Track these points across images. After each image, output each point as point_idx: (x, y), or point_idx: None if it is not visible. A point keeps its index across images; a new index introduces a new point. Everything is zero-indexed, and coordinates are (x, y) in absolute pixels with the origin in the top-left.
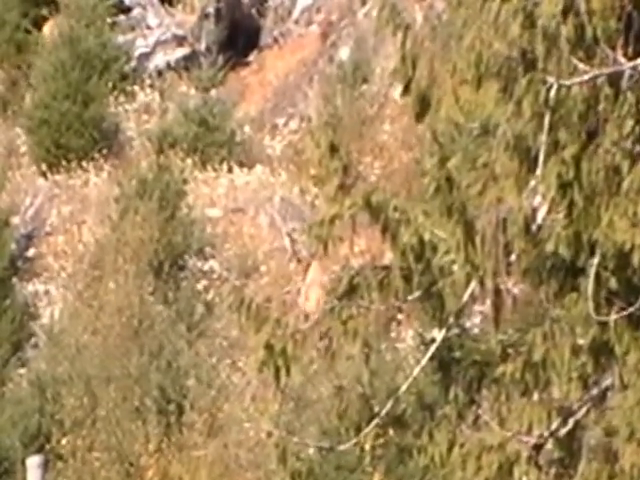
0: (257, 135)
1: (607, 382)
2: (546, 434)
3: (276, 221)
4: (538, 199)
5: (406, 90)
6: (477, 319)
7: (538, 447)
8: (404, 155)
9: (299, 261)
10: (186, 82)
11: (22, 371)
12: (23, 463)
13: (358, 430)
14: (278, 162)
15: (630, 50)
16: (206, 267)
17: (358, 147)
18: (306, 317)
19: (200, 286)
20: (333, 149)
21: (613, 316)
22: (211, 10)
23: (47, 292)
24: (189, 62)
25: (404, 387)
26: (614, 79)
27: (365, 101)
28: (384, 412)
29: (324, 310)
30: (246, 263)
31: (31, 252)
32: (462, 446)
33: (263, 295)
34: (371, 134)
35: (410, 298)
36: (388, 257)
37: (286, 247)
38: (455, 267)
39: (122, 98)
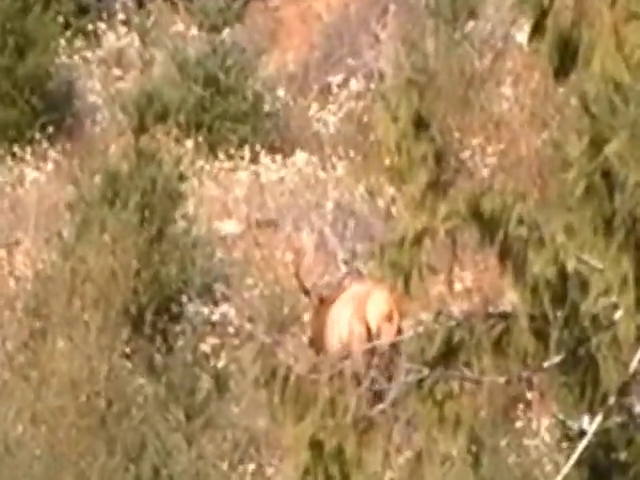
0: (297, 102)
1: None
2: None
3: (328, 241)
4: None
5: (538, 30)
6: None
7: None
8: (534, 135)
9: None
10: (183, 17)
11: None
12: None
13: None
14: (331, 146)
15: None
16: (216, 315)
17: (460, 122)
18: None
19: (206, 346)
20: (420, 125)
21: None
22: None
23: None
24: None
25: None
26: None
27: (472, 48)
28: None
29: (405, 384)
30: (280, 309)
31: None
32: None
33: (307, 361)
34: (481, 101)
35: (545, 365)
36: (509, 299)
37: (343, 282)
38: (618, 316)
39: (80, 42)
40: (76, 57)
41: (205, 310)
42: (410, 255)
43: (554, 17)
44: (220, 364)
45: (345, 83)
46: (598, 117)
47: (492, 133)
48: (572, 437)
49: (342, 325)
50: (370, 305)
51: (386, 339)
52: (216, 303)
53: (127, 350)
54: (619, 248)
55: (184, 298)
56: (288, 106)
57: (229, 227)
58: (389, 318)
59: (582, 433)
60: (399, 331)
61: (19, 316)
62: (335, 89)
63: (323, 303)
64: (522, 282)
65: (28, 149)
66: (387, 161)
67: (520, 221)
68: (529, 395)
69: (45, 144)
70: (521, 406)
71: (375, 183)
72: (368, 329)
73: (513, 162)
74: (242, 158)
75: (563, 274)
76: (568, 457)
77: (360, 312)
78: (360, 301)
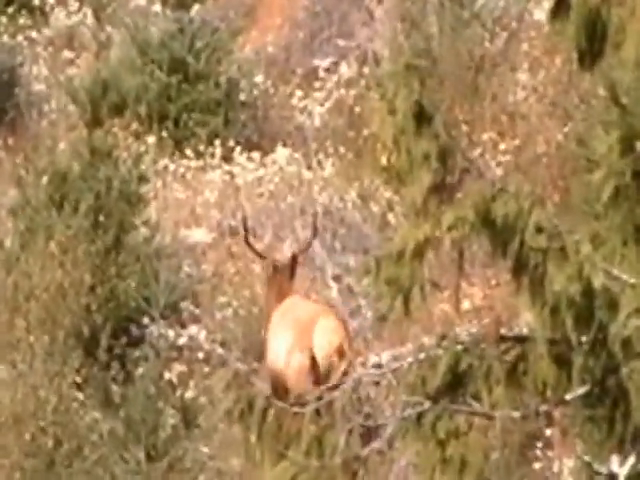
0: (278, 90)
1: None
2: None
3: (315, 253)
4: None
5: (561, 7)
6: None
7: None
8: (554, 129)
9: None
10: None
11: None
12: None
13: None
14: (318, 141)
15: None
16: (183, 339)
17: (469, 114)
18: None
19: (172, 375)
20: (422, 117)
21: None
22: None
23: None
24: None
25: None
26: None
27: (482, 27)
28: None
29: (403, 420)
30: (257, 331)
31: None
32: None
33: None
34: (493, 90)
35: (568, 397)
36: (525, 320)
37: (332, 302)
38: None
39: (23, 19)
40: (19, 37)
41: (170, 332)
42: (410, 270)
43: None
44: (188, 395)
45: (334, 67)
46: (629, 109)
47: (506, 127)
48: None
49: (280, 351)
50: (318, 334)
51: (335, 378)
52: (183, 324)
53: (79, 379)
54: None
55: (146, 318)
56: (267, 94)
57: (198, 236)
58: (340, 353)
59: (611, 477)
60: (348, 368)
61: None
62: (322, 74)
63: (277, 272)
64: (540, 300)
65: None
66: (383, 160)
67: (538, 229)
68: (549, 432)
69: None
70: (540, 445)
71: (369, 185)
72: (313, 362)
73: (530, 160)
74: (213, 156)
75: (589, 291)
76: None
77: (304, 341)
78: (305, 328)
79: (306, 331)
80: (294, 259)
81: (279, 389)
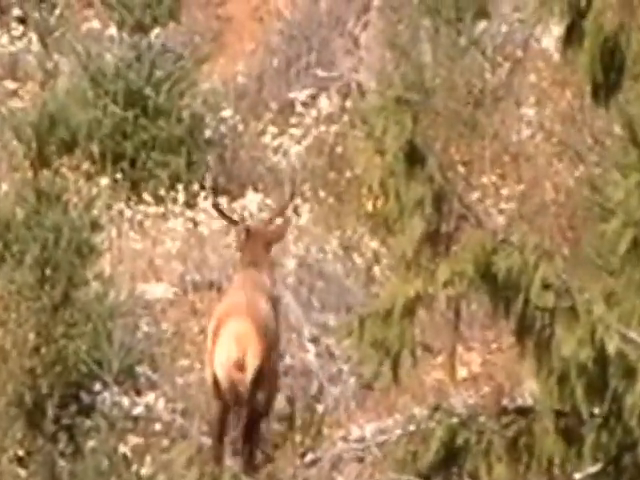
0: (249, 126)
1: None
2: None
3: (290, 311)
4: None
5: (573, 34)
6: None
7: None
8: (564, 172)
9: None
10: (98, 12)
11: None
12: None
13: None
14: (292, 184)
15: None
16: (139, 408)
17: (467, 154)
18: None
19: (127, 448)
20: (414, 158)
21: None
22: None
23: None
24: None
25: None
26: None
27: (482, 56)
28: None
29: None
30: None
31: None
32: None
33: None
34: (495, 127)
35: (578, 477)
36: (529, 390)
37: (311, 367)
38: None
39: None
40: None
41: (125, 400)
42: (399, 330)
43: (595, 18)
44: (144, 471)
45: (313, 101)
46: None
47: (509, 169)
48: None
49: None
50: (219, 345)
51: (240, 393)
52: (139, 391)
53: (21, 452)
54: None
55: (97, 384)
56: (236, 131)
57: (157, 291)
58: (239, 367)
59: None
60: (259, 381)
61: None
62: (299, 108)
63: (251, 239)
64: (547, 367)
65: None
66: (369, 206)
67: (545, 286)
68: None
69: None
70: None
71: (352, 235)
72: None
73: (536, 208)
74: (175, 201)
75: (602, 356)
76: None
77: (209, 352)
78: (215, 331)
79: (214, 336)
80: (269, 223)
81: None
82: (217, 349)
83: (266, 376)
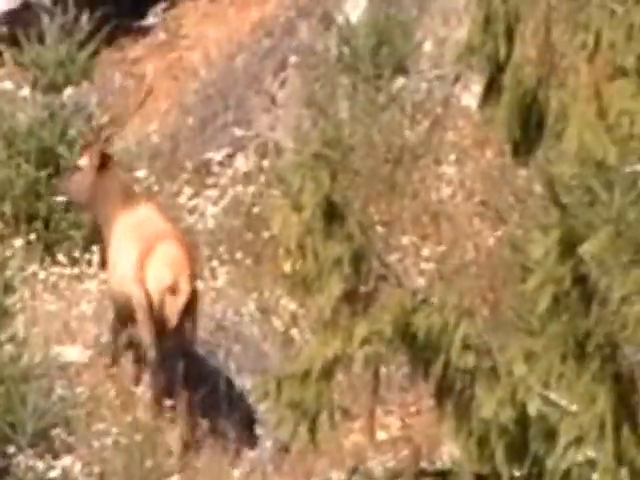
0: (164, 187)
1: None
2: None
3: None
4: None
5: (492, 90)
6: None
7: None
8: (484, 232)
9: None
10: (10, 70)
11: None
12: None
13: None
14: (210, 246)
15: None
16: (55, 471)
17: (386, 213)
18: None
19: None
20: (332, 216)
21: None
22: None
23: None
24: (18, 25)
25: None
26: None
27: (401, 113)
28: None
29: None
30: (141, 463)
31: None
32: None
33: None
34: (414, 185)
35: None
36: (449, 452)
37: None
38: (595, 475)
39: None
40: None
41: (40, 464)
42: (317, 392)
43: (513, 73)
44: None
45: (229, 160)
46: (570, 208)
47: (429, 229)
48: None
49: (125, 273)
50: (151, 266)
51: (170, 318)
52: (55, 455)
53: None
54: (593, 379)
55: (11, 447)
56: (151, 192)
57: (72, 354)
58: (172, 290)
59: None
60: (189, 307)
61: None
62: (216, 168)
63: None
64: (467, 429)
65: None
66: (286, 266)
67: (466, 346)
68: None
69: None
70: None
71: (270, 296)
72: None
73: (457, 268)
74: (90, 263)
75: (523, 418)
76: None
77: (139, 271)
78: (143, 253)
79: (143, 258)
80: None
81: (126, 316)
82: (149, 272)
83: (195, 301)
